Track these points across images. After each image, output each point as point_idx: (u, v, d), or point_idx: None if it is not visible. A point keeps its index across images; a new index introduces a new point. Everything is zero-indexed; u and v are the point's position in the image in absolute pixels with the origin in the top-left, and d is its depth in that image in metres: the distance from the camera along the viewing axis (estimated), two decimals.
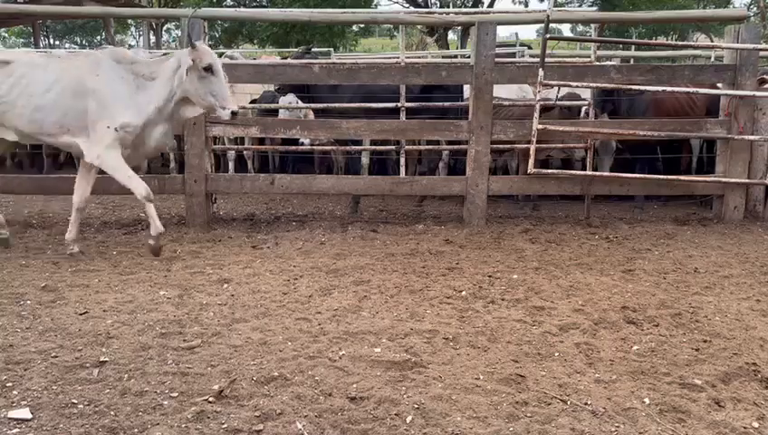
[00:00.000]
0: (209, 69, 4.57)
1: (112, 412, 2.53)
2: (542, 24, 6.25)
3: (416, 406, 2.61)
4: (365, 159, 7.07)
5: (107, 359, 3.00)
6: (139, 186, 4.66)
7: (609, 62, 9.04)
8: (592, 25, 7.94)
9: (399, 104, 6.75)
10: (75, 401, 2.60)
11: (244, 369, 2.93)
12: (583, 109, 6.99)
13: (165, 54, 5.03)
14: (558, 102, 6.85)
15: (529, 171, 5.92)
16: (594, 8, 21.79)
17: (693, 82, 6.41)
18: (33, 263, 4.57)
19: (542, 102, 5.93)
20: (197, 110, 4.78)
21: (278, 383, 2.80)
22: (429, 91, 7.14)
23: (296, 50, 10.03)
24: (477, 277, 4.35)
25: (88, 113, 4.63)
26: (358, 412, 2.56)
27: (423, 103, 6.95)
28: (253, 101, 8.08)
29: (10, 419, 2.47)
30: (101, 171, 4.82)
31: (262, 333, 3.35)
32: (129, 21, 32.67)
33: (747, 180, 6.12)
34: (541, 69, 5.73)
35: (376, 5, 23.04)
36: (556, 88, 6.53)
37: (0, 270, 4.36)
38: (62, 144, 4.92)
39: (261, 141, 7.89)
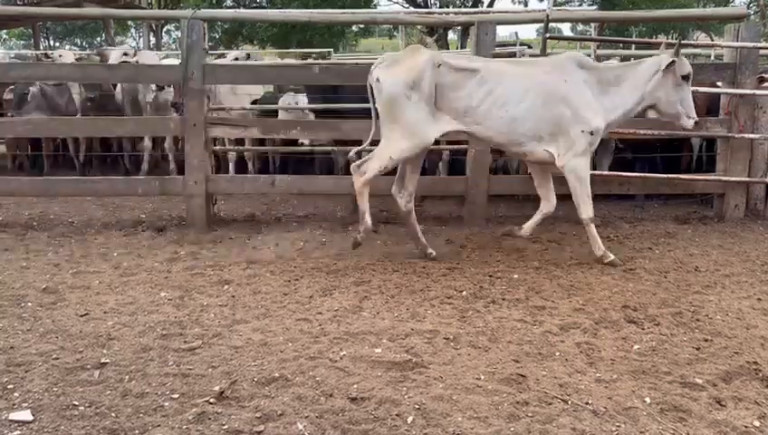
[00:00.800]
0: (687, 78, 4.55)
1: (113, 414, 2.54)
2: (542, 24, 6.25)
3: (417, 406, 2.61)
4: None
5: (108, 360, 3.01)
6: (589, 207, 4.63)
7: (609, 61, 9.05)
8: (592, 24, 7.95)
9: None
10: (76, 403, 2.61)
11: (244, 370, 2.93)
12: None
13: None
14: None
15: (529, 171, 5.90)
16: (594, 7, 21.81)
17: (693, 81, 6.38)
18: (34, 265, 4.57)
19: None
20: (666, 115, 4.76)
21: (279, 384, 2.80)
22: None
23: (295, 51, 10.04)
24: (478, 277, 4.35)
25: (562, 120, 4.54)
26: (359, 413, 2.57)
27: None
28: (254, 102, 8.07)
29: (11, 421, 2.47)
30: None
31: (262, 333, 3.35)
32: (129, 22, 32.82)
33: (748, 179, 6.11)
34: None
35: (376, 6, 23.06)
36: None
37: (1, 272, 4.37)
38: (524, 152, 4.76)
39: (261, 142, 7.87)
